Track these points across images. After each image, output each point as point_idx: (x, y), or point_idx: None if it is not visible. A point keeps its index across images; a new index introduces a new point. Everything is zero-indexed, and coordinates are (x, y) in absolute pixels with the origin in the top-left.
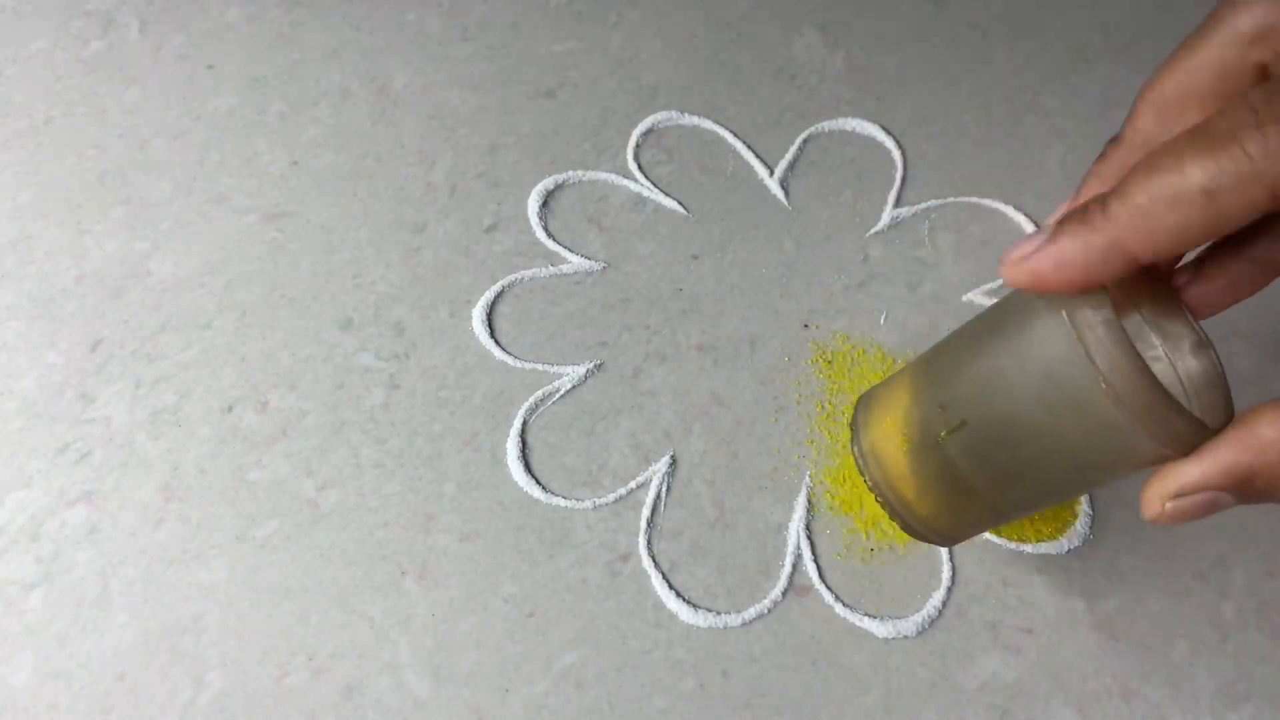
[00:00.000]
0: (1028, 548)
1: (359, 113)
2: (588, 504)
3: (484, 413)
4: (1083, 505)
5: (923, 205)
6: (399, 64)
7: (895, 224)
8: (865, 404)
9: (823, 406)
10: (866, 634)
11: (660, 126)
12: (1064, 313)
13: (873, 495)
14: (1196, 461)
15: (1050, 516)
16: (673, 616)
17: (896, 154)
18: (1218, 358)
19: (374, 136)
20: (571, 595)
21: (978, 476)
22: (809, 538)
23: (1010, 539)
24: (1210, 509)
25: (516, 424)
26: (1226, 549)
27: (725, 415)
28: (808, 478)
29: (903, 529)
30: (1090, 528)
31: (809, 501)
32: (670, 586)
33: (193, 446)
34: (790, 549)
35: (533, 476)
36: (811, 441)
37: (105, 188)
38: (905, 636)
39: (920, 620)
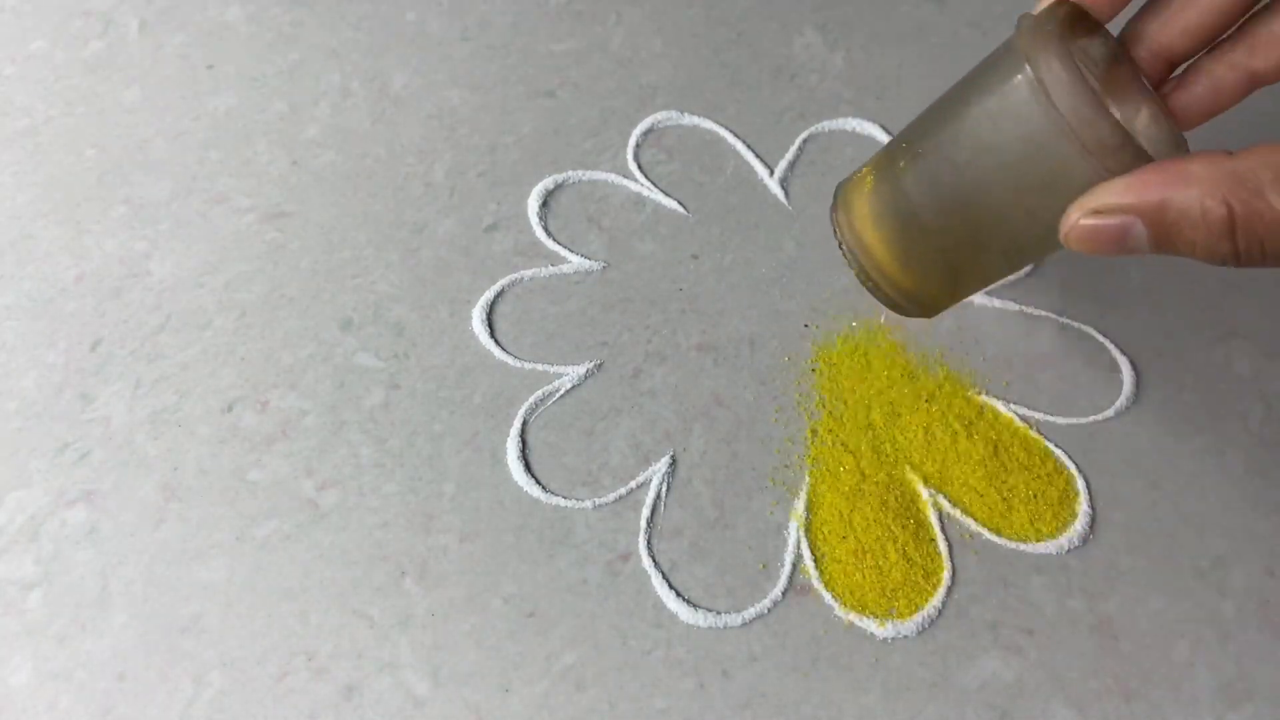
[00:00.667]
0: (1028, 548)
1: (359, 112)
2: (588, 504)
3: (484, 412)
4: (1082, 505)
5: None
6: (399, 64)
7: None
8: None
9: (823, 406)
10: (866, 634)
11: (660, 126)
12: (1020, 40)
13: (855, 274)
14: (1122, 180)
15: (1050, 516)
16: (673, 616)
17: None
18: (1180, 133)
19: (374, 136)
20: (571, 595)
21: (927, 208)
22: (809, 538)
23: (1010, 539)
24: (1120, 237)
25: (516, 424)
26: (1227, 548)
27: (725, 415)
28: (808, 478)
29: (873, 293)
30: (1090, 527)
31: (809, 501)
32: (670, 586)
33: (192, 446)
34: (790, 549)
35: (533, 476)
36: (812, 441)
37: (105, 187)
38: (905, 636)
39: (920, 620)
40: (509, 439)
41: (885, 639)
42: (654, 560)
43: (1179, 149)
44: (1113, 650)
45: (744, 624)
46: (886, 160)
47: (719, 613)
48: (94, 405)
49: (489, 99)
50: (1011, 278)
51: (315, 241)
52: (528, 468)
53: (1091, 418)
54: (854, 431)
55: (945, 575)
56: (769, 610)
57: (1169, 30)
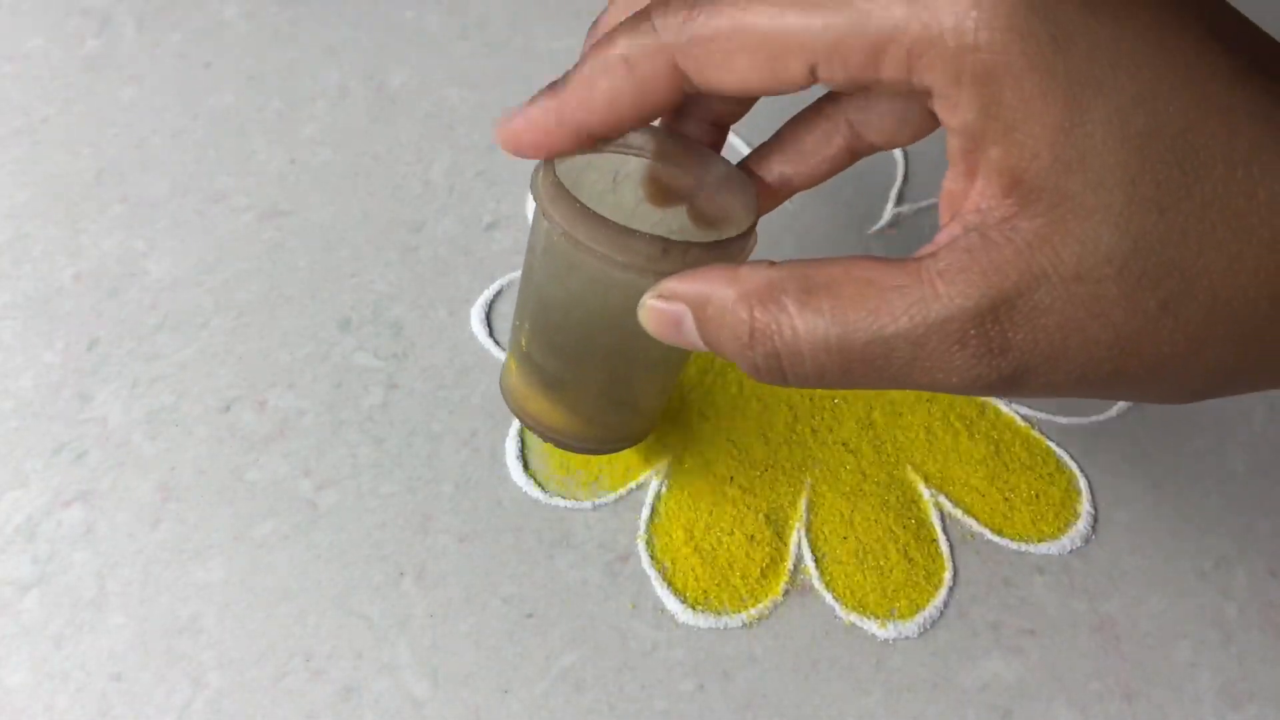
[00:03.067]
0: (1030, 548)
1: (357, 111)
2: (587, 504)
3: (483, 412)
4: (1084, 505)
5: (924, 203)
6: (397, 62)
7: (896, 222)
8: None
9: (823, 405)
10: (867, 634)
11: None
12: (536, 183)
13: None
14: (689, 272)
15: (1052, 517)
16: (672, 617)
17: (897, 152)
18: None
19: (372, 134)
20: (571, 596)
21: (551, 363)
22: (809, 538)
23: (1012, 539)
24: (677, 324)
25: (515, 424)
26: (1229, 549)
27: (725, 414)
28: (808, 478)
29: (560, 447)
30: (1092, 528)
31: (810, 501)
32: (670, 587)
33: (190, 446)
34: (791, 549)
35: (532, 476)
36: (812, 441)
37: (102, 186)
38: (906, 637)
39: (921, 621)
40: (508, 439)
41: (886, 639)
42: (654, 560)
43: (749, 209)
44: (1115, 651)
45: (744, 625)
46: (514, 344)
47: (719, 613)
48: (91, 405)
49: (487, 97)
50: None
51: (313, 240)
52: (527, 468)
53: (1093, 417)
54: (855, 431)
55: (947, 575)
56: (769, 611)
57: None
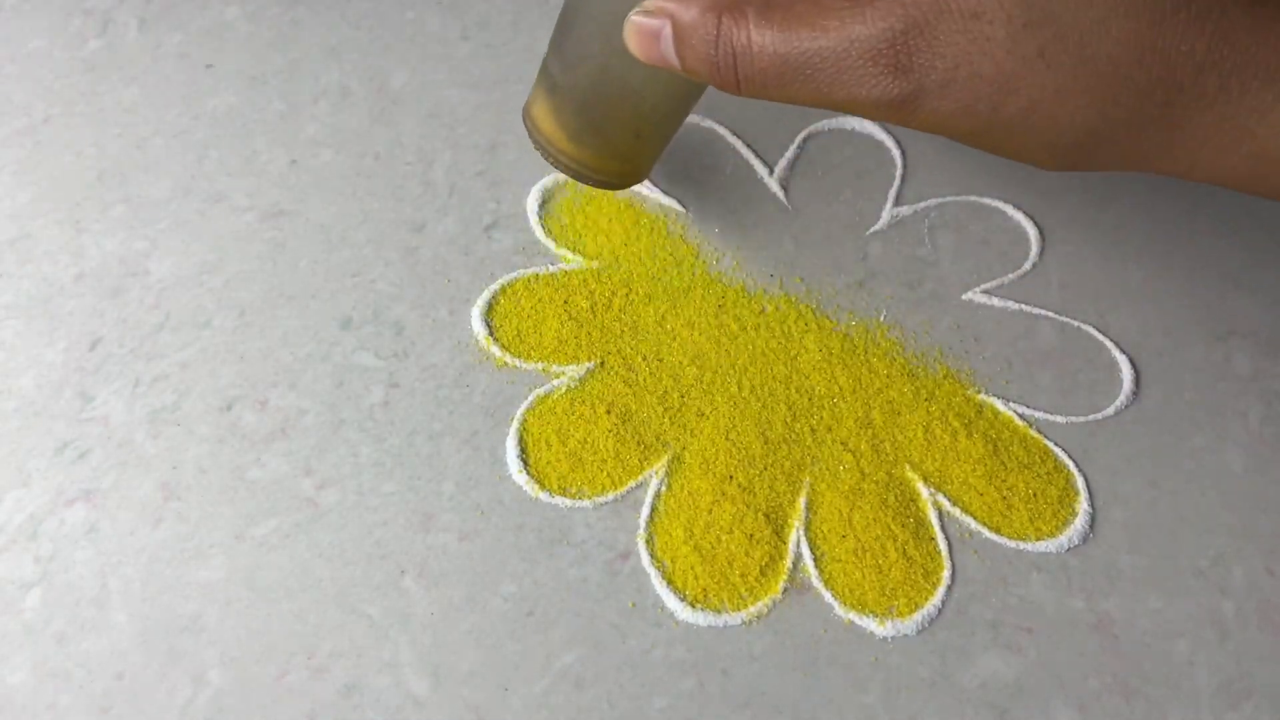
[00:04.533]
0: (1028, 546)
1: (358, 111)
2: (587, 503)
3: (483, 411)
4: (1082, 504)
5: (922, 204)
6: (398, 62)
7: (895, 223)
8: None
9: (822, 404)
10: (866, 633)
11: None
12: None
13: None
14: None
15: (1050, 515)
16: (672, 615)
17: (896, 153)
18: None
19: (373, 135)
20: (571, 594)
21: (554, 64)
22: (808, 536)
23: (1010, 537)
24: (656, 36)
25: (516, 423)
26: (1227, 547)
27: (725, 413)
28: (807, 476)
29: (576, 177)
30: (1090, 526)
31: (809, 500)
32: (670, 585)
33: (191, 445)
34: (790, 548)
35: (532, 475)
36: (811, 440)
37: (104, 186)
38: (905, 636)
39: (920, 619)
40: (508, 438)
41: (885, 638)
42: (653, 559)
43: None
44: (1112, 649)
45: (744, 623)
46: (543, 63)
47: (719, 611)
48: (93, 404)
49: (488, 98)
50: None
51: (314, 240)
52: (527, 466)
53: (1091, 416)
54: (854, 430)
55: (945, 574)
56: (769, 609)
57: None
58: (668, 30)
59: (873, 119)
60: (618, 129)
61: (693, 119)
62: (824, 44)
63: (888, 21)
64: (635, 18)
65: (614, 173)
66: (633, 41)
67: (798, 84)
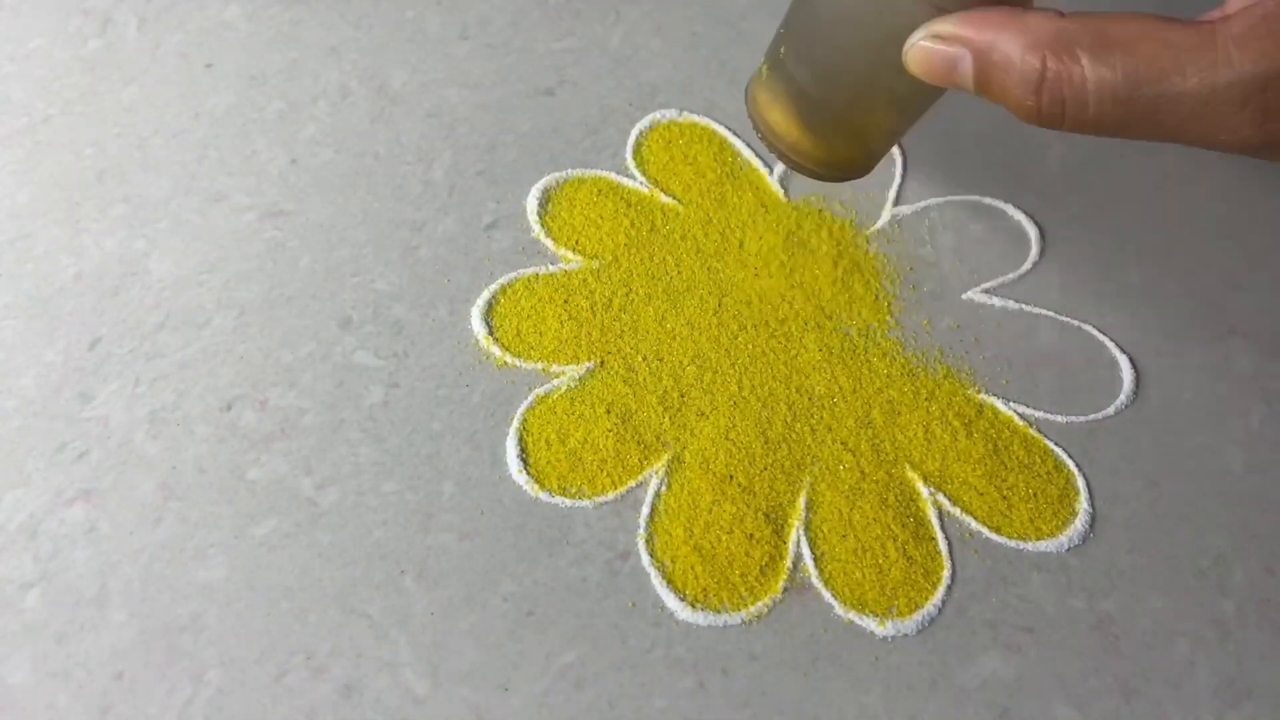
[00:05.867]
0: (1028, 546)
1: (358, 111)
2: (587, 503)
3: (483, 411)
4: (1082, 504)
5: (923, 204)
6: (398, 62)
7: (895, 222)
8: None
9: (822, 404)
10: (866, 632)
11: (659, 125)
12: None
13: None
14: (964, 14)
15: (1050, 515)
16: (672, 615)
17: (896, 152)
18: None
19: (373, 134)
20: (571, 594)
21: (810, 82)
22: (808, 536)
23: (1010, 537)
24: (950, 66)
25: (515, 422)
26: (1227, 547)
27: (725, 412)
28: (807, 476)
29: (797, 170)
30: (1090, 526)
31: (809, 500)
32: (670, 585)
33: (191, 445)
34: (790, 547)
35: (532, 475)
36: (811, 439)
37: (103, 186)
38: (905, 635)
39: (920, 619)
40: (508, 438)
41: (885, 637)
42: (653, 558)
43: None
44: (1113, 648)
45: (744, 622)
46: (772, 50)
47: (719, 611)
48: (92, 404)
49: (488, 97)
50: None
51: (314, 240)
52: (527, 466)
53: (1091, 416)
54: (854, 430)
55: (945, 574)
56: (769, 609)
57: None
58: (967, 63)
59: (1221, 151)
60: (875, 130)
61: (692, 119)
62: (1182, 89)
63: (1258, 67)
64: (927, 44)
65: (858, 167)
66: (919, 65)
67: (1141, 125)
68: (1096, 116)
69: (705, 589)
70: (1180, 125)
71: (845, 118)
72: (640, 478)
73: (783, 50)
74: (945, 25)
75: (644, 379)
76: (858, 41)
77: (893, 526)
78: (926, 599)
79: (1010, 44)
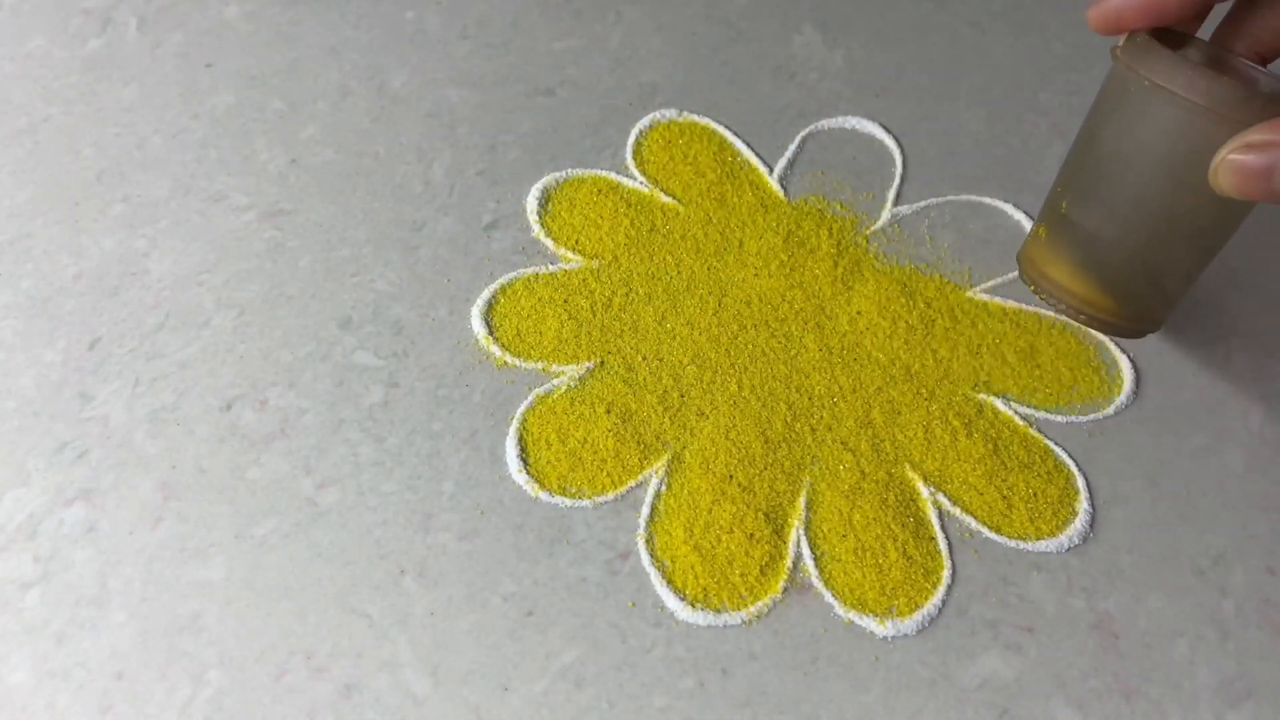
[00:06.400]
0: (1028, 546)
1: (358, 111)
2: (587, 502)
3: (483, 411)
4: (1082, 503)
5: (923, 203)
6: (398, 62)
7: (895, 222)
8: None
9: (822, 404)
10: (866, 632)
11: (659, 124)
12: (1119, 58)
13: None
14: (1268, 123)
15: (1050, 515)
16: (672, 615)
17: (896, 152)
18: None
19: (373, 134)
20: (570, 594)
21: (1102, 229)
22: (808, 536)
23: (1010, 537)
24: (1268, 173)
25: (515, 422)
26: (1227, 547)
27: (725, 412)
28: (807, 476)
29: (1100, 329)
30: (1090, 526)
31: (809, 500)
32: (670, 585)
33: (191, 445)
34: (790, 547)
35: (531, 475)
36: (811, 439)
37: (103, 186)
38: (905, 635)
39: (920, 619)
40: (508, 437)
41: (885, 637)
42: (653, 558)
43: None
44: (1112, 648)
45: (744, 622)
46: (1049, 210)
47: (718, 611)
48: (92, 404)
49: (488, 97)
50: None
51: (314, 240)
52: (527, 466)
53: (1091, 416)
54: (854, 429)
55: (945, 573)
56: (769, 609)
57: (1259, 30)
58: None
59: None
60: (1172, 270)
61: (692, 118)
62: None
63: None
64: (1237, 157)
65: (1154, 316)
66: (1231, 178)
67: None
68: None
69: (705, 589)
70: None
71: (1142, 258)
72: (640, 477)
73: (1065, 204)
74: (1253, 135)
75: (644, 379)
76: (1153, 173)
77: (893, 526)
78: (926, 599)
79: None
